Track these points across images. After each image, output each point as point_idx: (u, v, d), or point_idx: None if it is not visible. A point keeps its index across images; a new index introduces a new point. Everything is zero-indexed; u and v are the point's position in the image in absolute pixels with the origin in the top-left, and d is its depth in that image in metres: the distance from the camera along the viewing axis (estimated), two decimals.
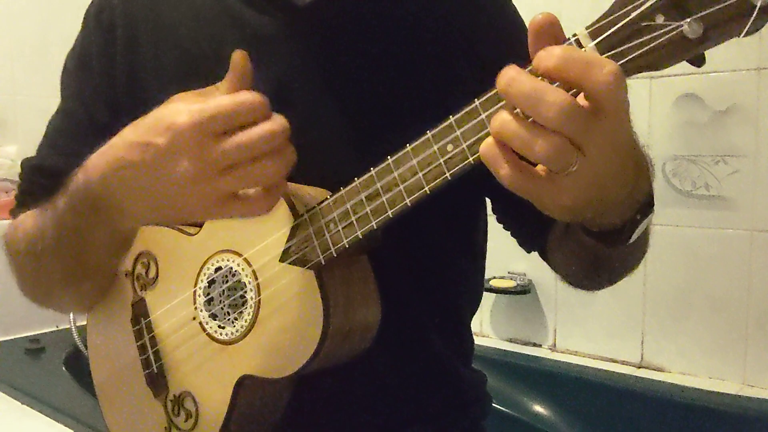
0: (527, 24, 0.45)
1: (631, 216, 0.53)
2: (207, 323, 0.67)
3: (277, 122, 0.52)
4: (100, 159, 0.58)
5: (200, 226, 0.69)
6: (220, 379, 0.65)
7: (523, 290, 1.68)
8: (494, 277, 1.69)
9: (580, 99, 0.44)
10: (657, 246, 1.58)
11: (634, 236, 0.54)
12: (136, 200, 0.56)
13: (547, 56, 0.42)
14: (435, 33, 0.72)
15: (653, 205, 0.55)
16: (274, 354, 0.62)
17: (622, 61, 0.42)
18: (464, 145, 0.48)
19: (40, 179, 0.78)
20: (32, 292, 0.76)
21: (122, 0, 0.77)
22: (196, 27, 0.74)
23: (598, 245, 0.58)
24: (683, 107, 1.44)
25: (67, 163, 0.76)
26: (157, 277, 0.72)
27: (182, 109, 0.52)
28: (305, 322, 0.59)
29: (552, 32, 0.44)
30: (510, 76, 0.43)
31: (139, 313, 0.73)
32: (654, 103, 1.48)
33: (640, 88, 1.48)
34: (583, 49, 0.43)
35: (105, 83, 0.76)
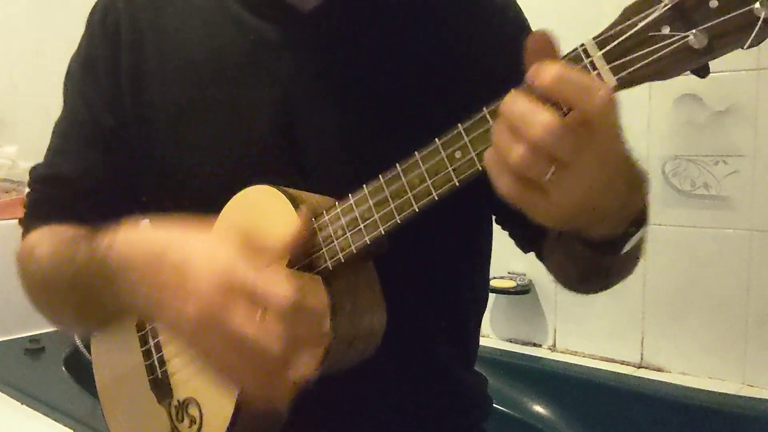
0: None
1: (625, 228, 0.55)
2: None
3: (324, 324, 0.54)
4: (146, 268, 0.57)
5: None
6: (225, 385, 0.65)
7: (523, 290, 1.68)
8: (494, 277, 1.69)
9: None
10: (657, 246, 1.58)
11: (626, 247, 0.56)
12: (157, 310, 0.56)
13: (543, 74, 0.44)
14: (439, 38, 0.72)
15: (647, 218, 0.56)
16: None
17: (628, 71, 0.43)
18: (473, 154, 0.49)
19: (50, 189, 0.78)
20: (43, 312, 0.77)
21: (126, 4, 0.77)
22: (200, 33, 0.74)
23: (591, 254, 0.59)
24: (683, 107, 1.44)
25: (75, 170, 0.76)
26: None
27: (237, 280, 0.51)
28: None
29: (547, 49, 0.45)
30: (508, 97, 0.45)
31: None
32: (654, 103, 1.48)
33: (640, 88, 1.47)
34: (589, 59, 0.44)
35: (110, 87, 0.76)
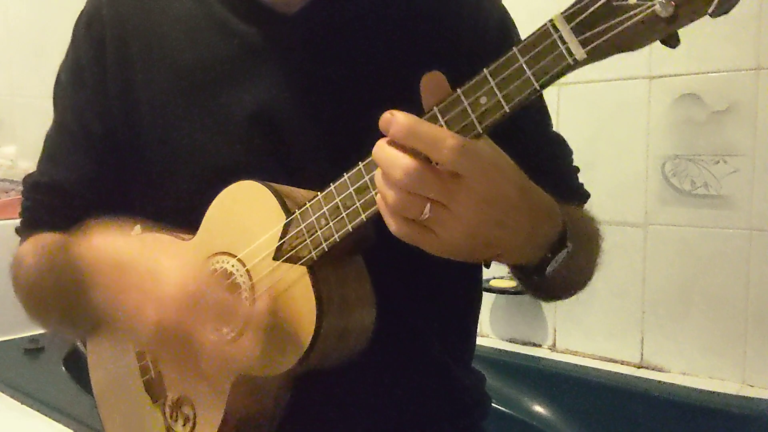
0: None
1: (541, 255, 0.58)
2: None
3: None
4: (123, 268, 0.58)
5: (194, 231, 0.69)
6: (216, 381, 0.65)
7: (523, 290, 1.67)
8: (494, 277, 1.69)
9: None
10: (657, 246, 1.58)
11: (548, 271, 0.59)
12: (126, 317, 0.57)
13: (392, 126, 0.48)
14: (424, 40, 0.72)
15: (565, 242, 0.59)
16: (268, 351, 0.62)
17: (596, 42, 0.43)
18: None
19: (42, 196, 0.79)
20: (35, 320, 0.78)
21: (111, 12, 0.77)
22: (184, 38, 0.74)
23: (518, 275, 0.64)
24: (682, 107, 1.44)
25: (68, 177, 0.77)
26: None
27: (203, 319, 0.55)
28: (299, 318, 0.59)
29: (441, 88, 0.50)
30: (378, 143, 0.50)
31: None
32: (653, 103, 1.48)
33: (640, 88, 1.48)
34: (558, 33, 0.44)
35: (98, 95, 0.76)
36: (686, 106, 1.43)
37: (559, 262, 0.60)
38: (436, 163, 0.48)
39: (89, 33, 0.78)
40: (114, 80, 0.76)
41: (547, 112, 0.81)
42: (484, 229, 0.50)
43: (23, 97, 1.94)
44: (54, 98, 0.81)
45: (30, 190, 0.81)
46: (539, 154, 0.76)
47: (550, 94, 1.54)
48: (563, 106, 1.58)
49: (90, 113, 0.77)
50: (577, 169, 0.82)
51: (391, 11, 0.73)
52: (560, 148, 0.81)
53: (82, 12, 0.80)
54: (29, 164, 1.86)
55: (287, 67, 0.71)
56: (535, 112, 0.79)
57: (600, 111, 1.54)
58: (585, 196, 0.81)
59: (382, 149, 0.49)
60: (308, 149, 0.71)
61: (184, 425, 0.68)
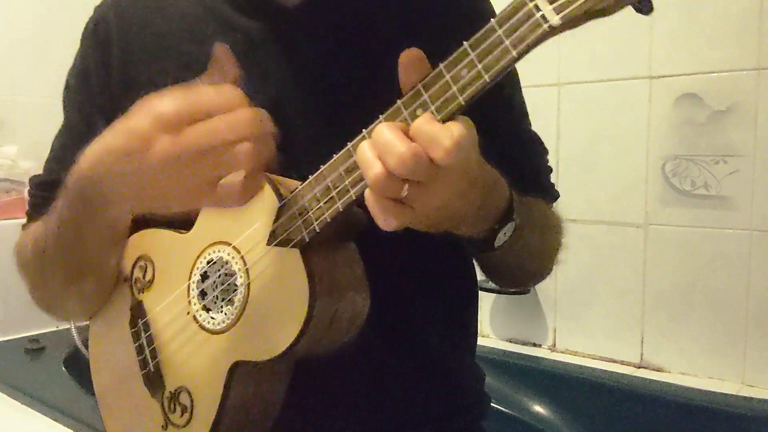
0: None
1: (491, 226, 0.62)
2: (199, 315, 0.67)
3: (254, 111, 0.53)
4: (90, 149, 0.59)
5: (192, 224, 0.69)
6: (213, 369, 0.66)
7: (523, 290, 1.68)
8: None
9: None
10: (657, 246, 1.58)
11: (497, 242, 0.63)
12: (119, 186, 0.57)
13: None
14: (422, 32, 0.72)
15: (512, 215, 0.63)
16: (261, 335, 0.63)
17: (569, 9, 0.44)
18: (432, 108, 0.50)
19: (49, 193, 0.79)
20: (40, 297, 0.78)
21: (116, 14, 0.78)
22: (187, 37, 0.75)
23: (473, 250, 0.68)
24: (683, 107, 1.44)
25: None
26: (153, 278, 0.73)
27: (165, 98, 0.54)
28: (291, 300, 0.60)
29: (421, 66, 0.51)
30: (379, 126, 0.51)
31: (137, 314, 0.73)
32: (654, 103, 1.48)
33: (640, 88, 1.48)
34: (533, 2, 0.45)
35: (104, 97, 0.77)
36: (687, 106, 1.43)
37: (507, 236, 0.63)
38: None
39: (95, 36, 0.79)
40: (118, 81, 0.76)
41: (525, 110, 0.83)
42: (452, 201, 0.52)
43: (24, 97, 1.94)
44: (63, 102, 0.83)
45: (36, 188, 0.82)
46: (513, 148, 0.77)
47: (550, 95, 1.54)
48: (563, 106, 1.57)
49: (96, 115, 0.77)
50: (550, 169, 0.84)
51: (392, 4, 0.74)
52: (535, 146, 0.84)
53: (90, 18, 0.82)
54: (30, 164, 1.87)
55: (290, 61, 0.71)
56: (513, 108, 0.81)
57: (600, 111, 1.54)
58: (554, 195, 0.84)
59: (381, 133, 0.50)
60: (312, 142, 0.71)
61: (181, 415, 0.68)
